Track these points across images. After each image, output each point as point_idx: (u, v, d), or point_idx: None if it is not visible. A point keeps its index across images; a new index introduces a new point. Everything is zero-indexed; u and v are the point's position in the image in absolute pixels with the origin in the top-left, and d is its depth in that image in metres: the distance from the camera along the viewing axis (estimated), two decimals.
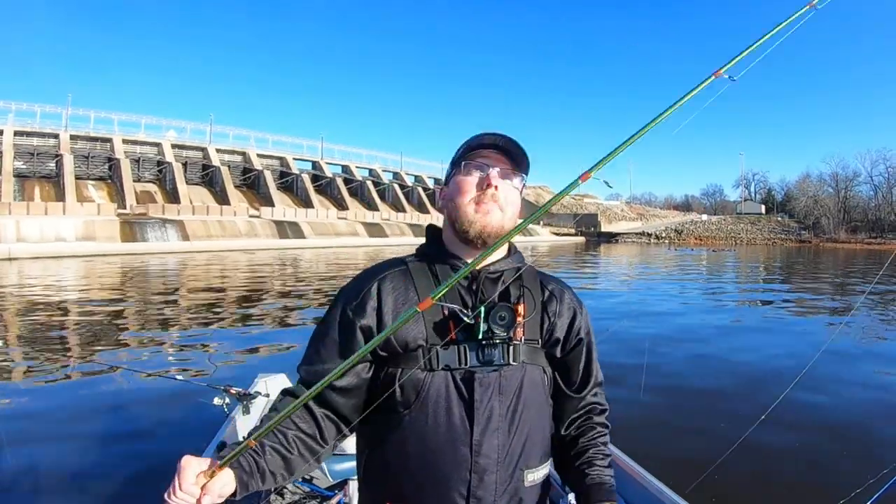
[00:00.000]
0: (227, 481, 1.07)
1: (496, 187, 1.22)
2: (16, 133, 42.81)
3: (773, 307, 14.53)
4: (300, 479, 2.89)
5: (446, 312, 1.20)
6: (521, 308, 1.21)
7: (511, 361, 1.20)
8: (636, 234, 73.34)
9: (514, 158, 1.27)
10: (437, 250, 1.30)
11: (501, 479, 1.18)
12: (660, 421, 5.24)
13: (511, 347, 1.20)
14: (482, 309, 1.16)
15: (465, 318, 1.12)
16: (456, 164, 1.29)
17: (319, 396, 1.17)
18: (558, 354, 1.31)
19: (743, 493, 3.86)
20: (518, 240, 1.30)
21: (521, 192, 1.31)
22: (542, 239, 62.26)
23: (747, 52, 1.23)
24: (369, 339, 1.19)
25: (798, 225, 78.81)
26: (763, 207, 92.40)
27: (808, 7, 1.34)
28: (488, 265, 1.26)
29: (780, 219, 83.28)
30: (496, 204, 1.23)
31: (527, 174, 1.30)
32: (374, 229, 49.50)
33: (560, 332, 1.30)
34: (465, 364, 1.18)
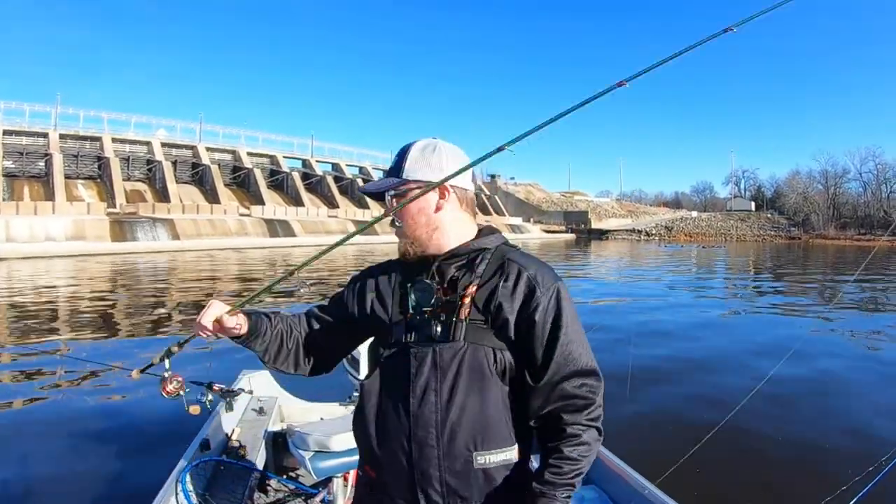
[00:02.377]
0: (240, 322, 1.37)
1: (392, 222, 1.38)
2: (4, 132, 42.29)
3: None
4: (284, 477, 3.08)
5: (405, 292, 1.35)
6: (471, 289, 1.27)
7: (451, 339, 1.25)
8: (626, 230, 73.45)
9: (382, 185, 1.38)
10: None
11: (444, 455, 1.22)
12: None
13: (453, 325, 1.25)
14: (408, 285, 1.32)
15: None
16: None
17: (310, 331, 1.49)
18: (512, 336, 1.27)
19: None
20: (508, 237, 1.45)
21: (414, 187, 1.32)
22: (532, 236, 62.41)
23: (647, 70, 1.30)
24: (349, 307, 1.45)
25: (788, 221, 78.87)
26: (753, 204, 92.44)
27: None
28: (446, 252, 1.34)
29: (769, 215, 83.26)
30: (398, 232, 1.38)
31: (398, 175, 1.34)
32: None
33: (510, 313, 1.26)
34: (411, 339, 1.29)
